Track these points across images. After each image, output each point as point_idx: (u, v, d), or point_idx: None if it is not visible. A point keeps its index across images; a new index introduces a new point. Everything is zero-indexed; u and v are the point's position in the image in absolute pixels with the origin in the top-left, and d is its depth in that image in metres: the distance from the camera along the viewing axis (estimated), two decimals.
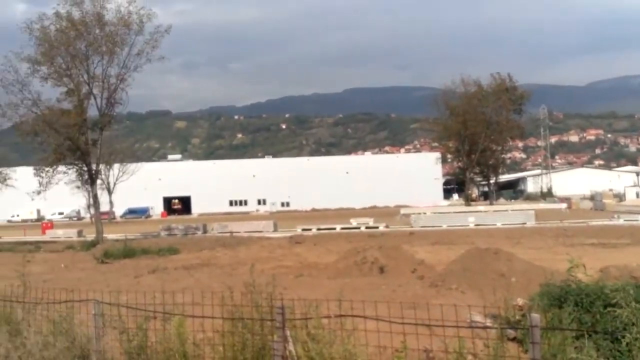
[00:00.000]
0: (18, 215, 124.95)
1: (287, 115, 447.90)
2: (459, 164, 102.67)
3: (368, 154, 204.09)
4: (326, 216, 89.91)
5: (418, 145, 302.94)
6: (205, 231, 60.05)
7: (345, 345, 6.72)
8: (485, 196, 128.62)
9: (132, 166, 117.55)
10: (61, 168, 51.48)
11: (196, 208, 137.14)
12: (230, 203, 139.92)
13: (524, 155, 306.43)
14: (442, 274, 21.60)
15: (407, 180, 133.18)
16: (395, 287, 19.84)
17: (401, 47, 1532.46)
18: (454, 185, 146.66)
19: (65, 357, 7.31)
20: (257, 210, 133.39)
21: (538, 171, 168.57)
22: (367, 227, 56.59)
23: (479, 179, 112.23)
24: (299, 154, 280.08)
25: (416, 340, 6.98)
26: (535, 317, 6.04)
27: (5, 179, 49.02)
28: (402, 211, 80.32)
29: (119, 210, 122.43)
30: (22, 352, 7.34)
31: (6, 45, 51.22)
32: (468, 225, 54.36)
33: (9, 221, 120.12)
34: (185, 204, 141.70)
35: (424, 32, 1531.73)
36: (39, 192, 49.25)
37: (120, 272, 29.96)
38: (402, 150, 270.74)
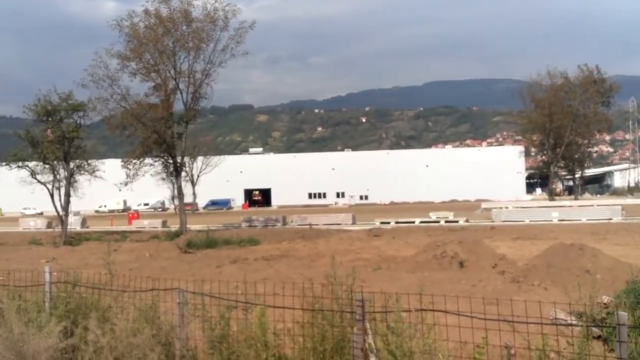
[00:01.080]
0: (105, 206, 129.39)
1: (367, 109, 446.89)
2: (543, 157, 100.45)
3: (449, 147, 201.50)
4: (405, 209, 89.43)
5: (500, 139, 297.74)
6: (284, 223, 60.64)
7: (425, 340, 6.69)
8: (570, 191, 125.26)
9: (215, 159, 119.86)
10: (147, 160, 52.87)
11: (276, 200, 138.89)
12: (310, 195, 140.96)
13: (611, 149, 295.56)
14: (524, 270, 21.22)
15: (489, 174, 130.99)
16: (475, 282, 19.62)
17: (482, 39, 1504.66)
18: (537, 180, 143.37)
19: (151, 343, 7.53)
20: (336, 203, 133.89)
21: (625, 165, 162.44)
22: (446, 221, 55.89)
23: (563, 173, 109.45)
24: (378, 148, 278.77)
25: (498, 337, 6.88)
26: (623, 315, 5.85)
27: (94, 171, 50.62)
28: (483, 205, 78.96)
29: (201, 202, 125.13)
30: (110, 338, 7.61)
31: (97, 42, 53.13)
32: (551, 220, 52.91)
33: (96, 211, 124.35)
34: (265, 196, 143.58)
35: (506, 24, 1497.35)
36: (126, 184, 50.72)
37: (202, 262, 30.68)
38: (484, 143, 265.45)
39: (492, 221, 54.05)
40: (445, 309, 6.80)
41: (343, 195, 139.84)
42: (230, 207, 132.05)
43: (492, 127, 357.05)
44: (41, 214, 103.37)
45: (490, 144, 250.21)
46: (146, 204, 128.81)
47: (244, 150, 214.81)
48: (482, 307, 7.42)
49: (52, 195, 49.79)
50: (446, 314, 6.75)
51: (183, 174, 58.71)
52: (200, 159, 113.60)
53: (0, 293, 9.94)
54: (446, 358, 6.65)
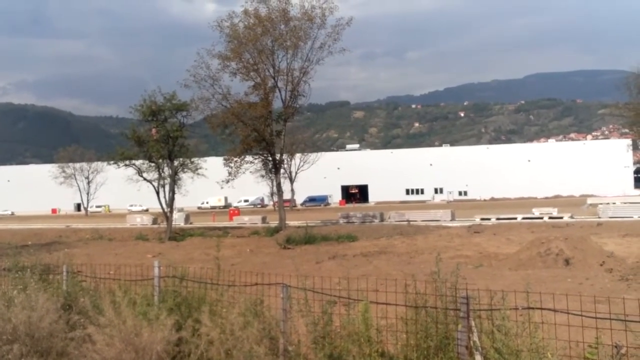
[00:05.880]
0: (207, 202, 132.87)
1: (465, 103, 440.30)
2: None
3: (552, 141, 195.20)
4: (506, 205, 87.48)
5: (606, 132, 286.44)
6: (382, 219, 60.39)
7: (533, 338, 6.52)
8: None
9: (312, 156, 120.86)
10: (248, 158, 53.90)
11: (373, 196, 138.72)
12: (407, 192, 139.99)
13: None
14: (634, 268, 20.51)
15: (594, 168, 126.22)
16: (582, 280, 19.03)
17: (586, 30, 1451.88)
18: None
19: (259, 337, 7.68)
20: (433, 199, 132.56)
21: None
22: (550, 217, 54.17)
23: None
24: (477, 142, 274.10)
25: (609, 336, 6.64)
26: None
27: (197, 169, 52.19)
28: (589, 201, 76.28)
29: (299, 199, 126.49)
30: (220, 331, 7.80)
31: (199, 43, 54.63)
32: None
33: (199, 208, 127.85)
34: (362, 192, 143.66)
35: (611, 14, 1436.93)
36: (227, 181, 51.84)
37: (302, 258, 31.03)
38: (589, 137, 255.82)
39: (599, 217, 51.98)
40: (554, 307, 6.62)
41: (441, 191, 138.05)
42: (328, 204, 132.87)
43: (597, 120, 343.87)
44: (147, 210, 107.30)
45: (595, 138, 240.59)
46: (246, 201, 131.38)
47: (341, 147, 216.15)
48: (590, 306, 7.17)
49: (157, 193, 51.63)
50: (555, 312, 6.56)
51: (282, 171, 59.47)
52: (298, 156, 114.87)
53: (114, 287, 10.39)
54: (555, 357, 6.45)
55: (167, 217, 51.30)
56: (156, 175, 51.76)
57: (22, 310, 9.18)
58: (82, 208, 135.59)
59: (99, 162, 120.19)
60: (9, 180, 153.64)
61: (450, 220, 56.71)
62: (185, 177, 53.65)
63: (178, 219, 64.60)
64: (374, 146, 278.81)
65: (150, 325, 8.09)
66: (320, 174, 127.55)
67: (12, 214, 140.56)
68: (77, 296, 10.69)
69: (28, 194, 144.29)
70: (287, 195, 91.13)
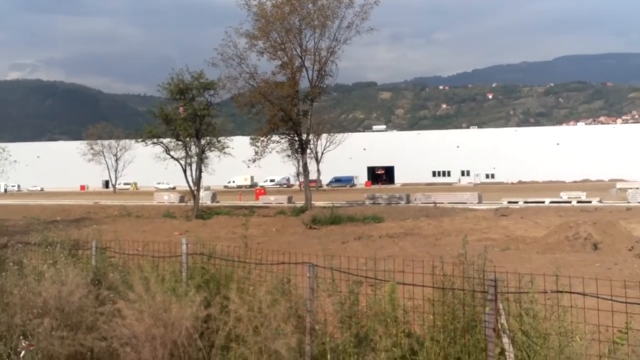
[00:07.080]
0: (234, 182, 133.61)
1: (494, 85, 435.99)
2: None
3: (581, 124, 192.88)
4: (534, 189, 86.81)
5: (637, 116, 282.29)
6: (408, 201, 60.20)
7: (561, 322, 6.47)
8: None
9: (339, 136, 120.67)
10: (274, 137, 53.96)
11: (399, 178, 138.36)
12: (433, 174, 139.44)
13: None
14: None
15: (624, 152, 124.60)
16: (610, 265, 18.87)
17: (618, 12, 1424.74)
18: None
19: (287, 315, 7.71)
20: (459, 181, 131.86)
21: None
22: (578, 201, 53.62)
23: None
24: (505, 125, 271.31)
25: (639, 322, 6.57)
26: None
27: (223, 147, 52.30)
28: (618, 185, 75.35)
29: (325, 179, 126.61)
30: (248, 309, 7.85)
31: (227, 22, 54.61)
32: None
33: (225, 187, 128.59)
34: (388, 173, 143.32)
35: None
36: (254, 160, 52.00)
37: (327, 238, 31.14)
38: (619, 120, 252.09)
39: (628, 202, 51.41)
40: (583, 291, 6.55)
41: (468, 173, 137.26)
42: (354, 185, 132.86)
43: (628, 104, 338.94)
44: (174, 188, 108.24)
45: (625, 122, 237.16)
46: (272, 180, 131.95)
47: (367, 128, 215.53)
48: (620, 291, 7.10)
49: (184, 171, 51.91)
50: (584, 296, 6.50)
51: (308, 151, 59.45)
52: (324, 136, 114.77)
53: (142, 263, 10.49)
54: (584, 341, 6.41)
55: (194, 195, 51.62)
56: (183, 154, 52.02)
57: (52, 285, 9.30)
58: (110, 185, 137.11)
59: (127, 140, 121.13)
60: (38, 157, 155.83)
61: (477, 203, 56.39)
62: (212, 155, 53.80)
63: (205, 198, 64.99)
64: (401, 127, 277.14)
65: (179, 301, 8.16)
66: (347, 154, 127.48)
67: (42, 189, 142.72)
68: (106, 271, 10.79)
69: (57, 170, 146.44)
70: (313, 176, 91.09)
